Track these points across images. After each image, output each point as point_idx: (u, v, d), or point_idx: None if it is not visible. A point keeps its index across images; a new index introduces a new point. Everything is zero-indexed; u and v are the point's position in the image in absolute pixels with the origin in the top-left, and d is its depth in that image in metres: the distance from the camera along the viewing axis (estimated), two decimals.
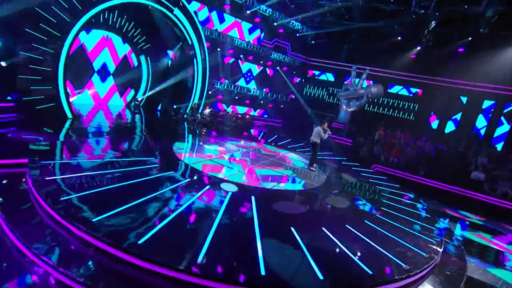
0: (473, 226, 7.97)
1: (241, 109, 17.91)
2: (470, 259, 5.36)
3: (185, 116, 13.54)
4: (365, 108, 17.47)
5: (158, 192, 4.78)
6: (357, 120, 17.13)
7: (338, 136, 16.22)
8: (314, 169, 8.65)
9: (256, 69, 17.97)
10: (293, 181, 7.26)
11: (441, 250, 4.87)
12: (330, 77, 19.77)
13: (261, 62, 17.30)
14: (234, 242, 3.93)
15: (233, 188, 5.76)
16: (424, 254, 4.52)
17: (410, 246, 4.72)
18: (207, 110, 14.78)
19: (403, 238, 4.97)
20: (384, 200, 6.97)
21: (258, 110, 18.67)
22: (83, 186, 4.46)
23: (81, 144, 6.73)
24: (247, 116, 15.50)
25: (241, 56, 16.21)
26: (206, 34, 14.19)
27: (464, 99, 15.12)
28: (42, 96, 7.55)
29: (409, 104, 16.93)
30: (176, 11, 11.14)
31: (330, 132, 8.73)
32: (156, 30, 12.32)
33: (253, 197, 5.44)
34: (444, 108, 15.80)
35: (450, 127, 15.65)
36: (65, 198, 3.95)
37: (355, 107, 16.49)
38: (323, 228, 4.69)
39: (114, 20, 11.33)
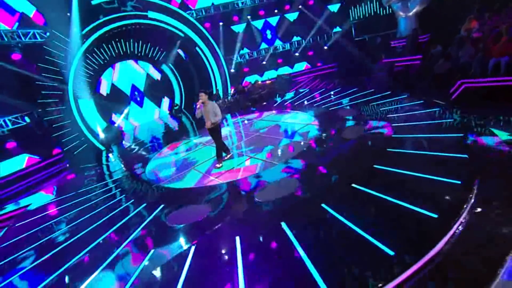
0: None
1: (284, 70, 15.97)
2: None
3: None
4: None
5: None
6: (427, 23, 11.32)
7: (400, 57, 11.42)
8: (220, 165, 6.03)
9: (274, 22, 15.24)
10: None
11: None
12: None
13: (276, 11, 14.45)
14: None
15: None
16: None
17: None
18: (232, 91, 14.28)
19: None
20: None
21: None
22: None
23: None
24: (268, 82, 13.68)
25: (249, 17, 14.19)
26: (200, 15, 13.38)
27: None
28: (77, 142, 9.96)
29: None
30: (150, 13, 11.14)
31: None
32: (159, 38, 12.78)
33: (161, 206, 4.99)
34: None
35: None
36: None
37: (417, 6, 11.00)
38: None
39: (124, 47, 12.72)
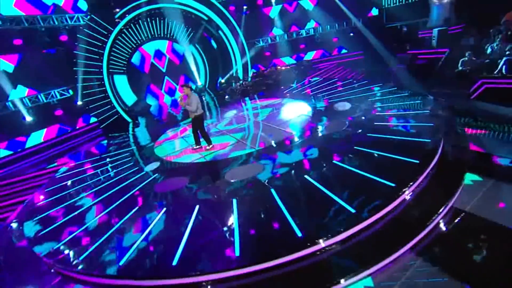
0: None
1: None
2: None
3: (228, 89, 14.37)
4: None
5: None
6: (463, 11, 10.22)
7: (424, 50, 10.67)
8: (210, 146, 6.85)
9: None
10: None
11: None
12: None
13: None
14: None
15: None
16: None
17: None
18: (251, 73, 14.71)
19: None
20: None
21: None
22: None
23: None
24: (282, 68, 13.72)
25: (273, 0, 14.09)
26: None
27: None
28: (108, 114, 11.68)
29: None
30: None
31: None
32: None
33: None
34: None
35: None
36: None
37: None
38: None
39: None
